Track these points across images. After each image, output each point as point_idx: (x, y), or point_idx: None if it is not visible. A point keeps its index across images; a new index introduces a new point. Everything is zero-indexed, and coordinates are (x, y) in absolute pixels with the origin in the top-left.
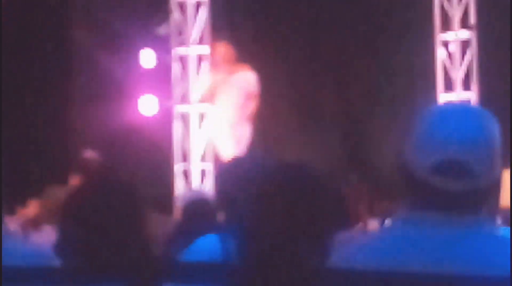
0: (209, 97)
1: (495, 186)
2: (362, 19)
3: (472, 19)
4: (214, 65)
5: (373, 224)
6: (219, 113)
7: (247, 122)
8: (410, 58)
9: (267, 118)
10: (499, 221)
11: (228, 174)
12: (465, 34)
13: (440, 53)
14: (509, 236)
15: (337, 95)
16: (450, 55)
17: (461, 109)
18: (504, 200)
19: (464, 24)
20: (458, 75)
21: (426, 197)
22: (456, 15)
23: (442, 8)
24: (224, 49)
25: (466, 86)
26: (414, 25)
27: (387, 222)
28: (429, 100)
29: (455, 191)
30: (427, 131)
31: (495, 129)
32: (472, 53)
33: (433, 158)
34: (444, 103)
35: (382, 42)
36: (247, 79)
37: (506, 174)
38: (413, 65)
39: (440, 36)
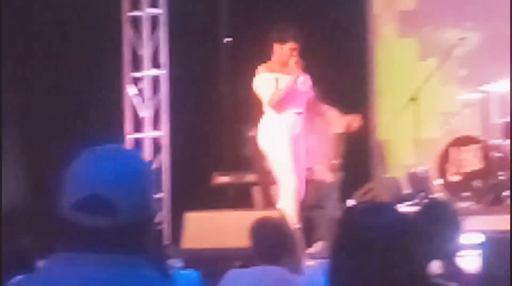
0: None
1: (144, 226)
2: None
3: (162, 58)
4: (277, 65)
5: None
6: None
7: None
8: (101, 97)
9: None
10: (173, 262)
11: None
12: (155, 72)
13: (130, 92)
14: (156, 276)
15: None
16: (140, 93)
17: (109, 149)
18: (186, 243)
19: (155, 63)
20: (147, 115)
21: (76, 235)
22: (146, 54)
23: (133, 47)
24: (293, 48)
25: (156, 125)
26: (104, 63)
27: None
28: (118, 138)
29: (100, 228)
30: (74, 170)
31: (142, 169)
32: (162, 92)
33: (76, 195)
34: (96, 147)
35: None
36: (307, 83)
37: (189, 218)
38: (104, 103)
39: (130, 75)
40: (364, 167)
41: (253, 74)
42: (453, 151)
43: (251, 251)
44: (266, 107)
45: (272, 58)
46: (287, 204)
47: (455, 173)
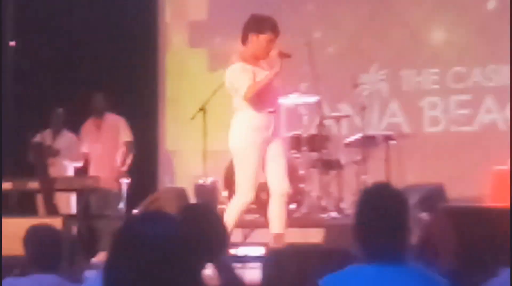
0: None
1: None
2: None
3: None
4: (251, 57)
5: None
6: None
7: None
8: None
9: None
10: None
11: None
12: None
13: None
14: None
15: None
16: None
17: None
18: None
19: None
20: None
21: None
22: None
23: None
24: (270, 40)
25: None
26: None
27: None
28: None
29: None
30: None
31: None
32: None
33: None
34: None
35: None
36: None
37: None
38: None
39: None
40: (152, 176)
41: (41, 79)
42: None
43: (27, 259)
44: (239, 103)
45: (246, 48)
46: (230, 211)
47: None
